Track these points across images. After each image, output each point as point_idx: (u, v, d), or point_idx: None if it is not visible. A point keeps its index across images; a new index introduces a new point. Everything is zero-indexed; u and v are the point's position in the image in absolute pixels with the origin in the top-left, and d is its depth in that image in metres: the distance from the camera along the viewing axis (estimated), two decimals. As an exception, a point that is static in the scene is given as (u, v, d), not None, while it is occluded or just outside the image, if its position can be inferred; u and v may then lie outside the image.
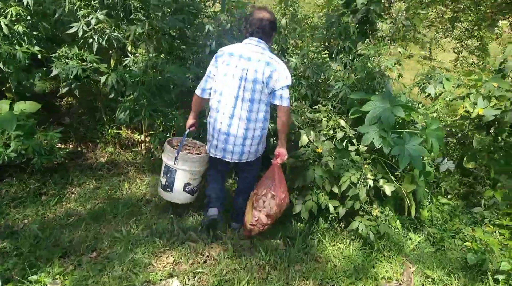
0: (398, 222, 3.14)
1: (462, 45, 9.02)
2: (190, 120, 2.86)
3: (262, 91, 2.49)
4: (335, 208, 3.06)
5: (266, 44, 2.56)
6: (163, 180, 2.83)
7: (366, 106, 3.03)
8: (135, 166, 3.87)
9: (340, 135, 3.25)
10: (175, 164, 2.73)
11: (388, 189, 2.93)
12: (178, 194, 2.83)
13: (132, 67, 3.31)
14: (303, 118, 3.32)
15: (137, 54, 3.34)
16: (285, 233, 3.12)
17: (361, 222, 2.98)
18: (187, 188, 2.80)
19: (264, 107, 2.55)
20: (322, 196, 3.07)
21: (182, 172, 2.73)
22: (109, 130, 4.18)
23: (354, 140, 3.26)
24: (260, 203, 2.66)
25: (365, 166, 3.00)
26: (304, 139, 3.16)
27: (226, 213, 3.11)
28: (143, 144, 4.19)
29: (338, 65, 3.92)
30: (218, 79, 2.54)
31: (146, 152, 4.14)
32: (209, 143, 2.69)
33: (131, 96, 3.36)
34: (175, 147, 2.84)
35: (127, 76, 3.18)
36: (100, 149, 4.10)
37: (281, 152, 2.67)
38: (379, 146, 2.88)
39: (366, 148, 3.08)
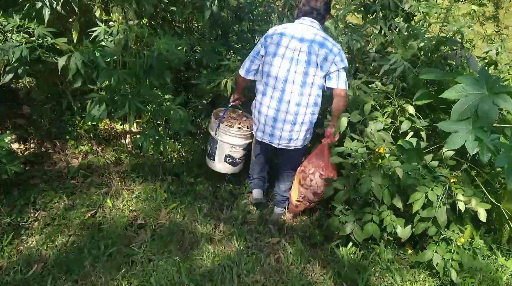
0: (483, 245, 2.33)
1: None
2: (235, 95, 2.73)
3: (315, 74, 2.27)
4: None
5: (320, 25, 2.33)
6: (208, 148, 2.82)
7: (450, 92, 2.10)
8: (120, 172, 2.93)
9: (405, 126, 2.36)
10: (215, 135, 2.68)
11: (483, 214, 2.09)
12: (219, 164, 2.77)
13: (105, 41, 2.28)
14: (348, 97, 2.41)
15: (111, 22, 2.30)
16: (333, 267, 2.30)
17: (436, 252, 2.17)
18: (228, 160, 2.73)
19: (316, 91, 2.33)
20: (387, 215, 2.23)
21: (221, 143, 2.68)
22: (82, 122, 3.19)
23: (423, 134, 2.39)
24: (307, 182, 2.51)
25: (451, 179, 2.14)
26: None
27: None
28: (128, 136, 3.22)
29: (380, 27, 2.95)
30: (266, 60, 2.34)
31: (132, 148, 3.19)
32: (255, 127, 2.53)
33: (107, 83, 2.35)
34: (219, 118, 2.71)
35: (98, 55, 2.16)
36: (72, 148, 3.12)
37: (333, 132, 2.44)
38: (474, 153, 2.00)
39: (451, 152, 2.20)
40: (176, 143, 3.29)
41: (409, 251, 2.45)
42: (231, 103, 2.75)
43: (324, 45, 2.23)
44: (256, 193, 2.81)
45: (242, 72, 2.49)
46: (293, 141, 2.44)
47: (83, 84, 2.28)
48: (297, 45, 2.23)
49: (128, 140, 3.23)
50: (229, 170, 2.80)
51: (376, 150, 2.27)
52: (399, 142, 2.33)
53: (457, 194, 2.11)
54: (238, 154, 2.73)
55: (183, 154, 3.28)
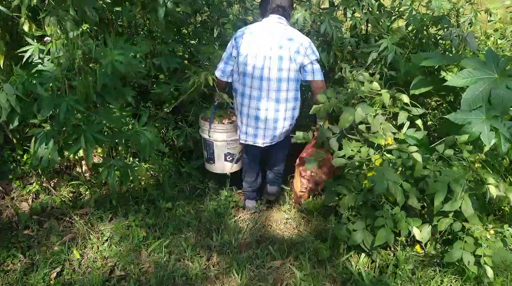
0: None
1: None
2: (219, 92, 2.58)
3: (289, 68, 2.27)
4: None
5: (287, 21, 2.35)
6: (205, 153, 2.74)
7: (457, 79, 1.89)
8: (81, 214, 2.47)
9: (403, 116, 2.15)
10: (209, 136, 2.60)
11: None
12: (222, 165, 2.70)
13: (41, 63, 1.80)
14: (349, 90, 2.17)
15: (46, 38, 1.82)
16: (349, 289, 2.06)
17: (464, 249, 1.99)
18: (228, 158, 2.68)
19: (293, 86, 2.33)
20: (402, 217, 2.02)
21: (218, 143, 2.62)
22: (25, 156, 2.66)
23: (418, 123, 2.20)
24: (308, 172, 2.49)
25: (476, 164, 1.93)
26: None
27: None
28: (84, 162, 2.75)
29: (354, 8, 2.68)
30: (239, 61, 2.31)
31: (91, 176, 2.73)
32: (239, 130, 2.52)
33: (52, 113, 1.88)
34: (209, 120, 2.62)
35: (36, 83, 1.69)
36: (18, 189, 2.60)
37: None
38: (492, 145, 1.81)
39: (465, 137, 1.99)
40: (143, 163, 2.87)
41: (420, 250, 2.27)
42: (216, 102, 2.61)
43: (294, 39, 2.23)
44: (251, 204, 2.72)
45: (217, 73, 2.43)
46: (276, 137, 2.45)
47: (21, 121, 1.81)
48: (267, 42, 2.24)
49: (84, 167, 2.76)
50: (233, 168, 2.73)
51: (383, 142, 2.04)
52: (398, 136, 2.13)
53: (486, 179, 1.91)
54: (236, 149, 2.68)
55: (152, 173, 2.88)
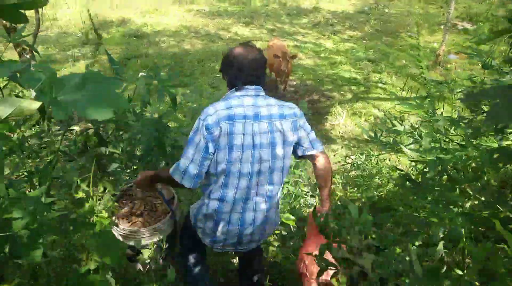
0: None
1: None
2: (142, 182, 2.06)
3: (284, 155, 1.83)
4: None
5: (265, 90, 1.90)
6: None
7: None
8: None
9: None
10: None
11: None
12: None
13: None
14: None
15: None
16: None
17: None
18: None
19: (286, 173, 1.90)
20: None
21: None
22: None
23: None
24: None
25: None
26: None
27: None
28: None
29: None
30: (219, 158, 1.75)
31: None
32: (208, 237, 1.94)
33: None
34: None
35: None
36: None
37: (325, 209, 1.93)
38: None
39: None
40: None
41: None
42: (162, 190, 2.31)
43: (285, 115, 1.82)
44: None
45: (187, 183, 1.75)
46: (262, 240, 2.04)
47: None
48: (254, 127, 1.75)
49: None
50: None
51: None
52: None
53: None
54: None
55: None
